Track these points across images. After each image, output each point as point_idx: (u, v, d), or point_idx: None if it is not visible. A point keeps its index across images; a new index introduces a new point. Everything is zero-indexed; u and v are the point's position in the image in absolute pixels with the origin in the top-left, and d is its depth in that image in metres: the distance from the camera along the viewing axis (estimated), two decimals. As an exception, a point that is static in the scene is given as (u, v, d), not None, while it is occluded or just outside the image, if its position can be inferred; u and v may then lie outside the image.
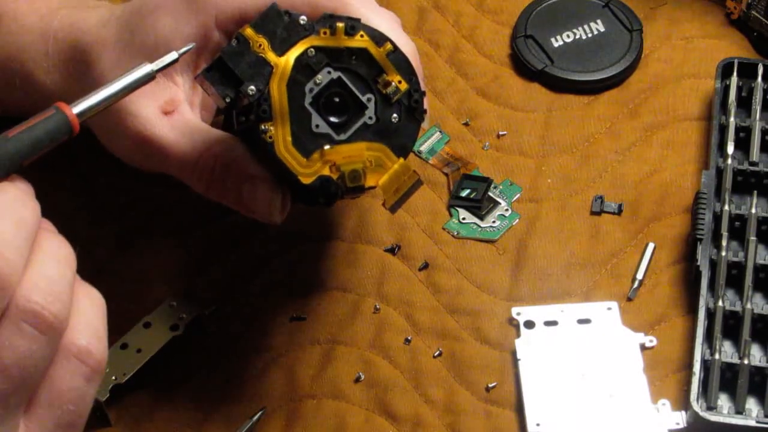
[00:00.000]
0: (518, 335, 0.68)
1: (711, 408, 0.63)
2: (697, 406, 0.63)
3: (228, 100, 0.57)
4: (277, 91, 0.57)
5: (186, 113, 0.63)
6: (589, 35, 0.81)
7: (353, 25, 0.58)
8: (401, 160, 0.59)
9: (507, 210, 0.74)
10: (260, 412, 0.66)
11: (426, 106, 0.60)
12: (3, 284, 0.45)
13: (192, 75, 0.63)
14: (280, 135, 0.57)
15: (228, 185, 0.61)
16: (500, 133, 0.77)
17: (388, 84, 0.58)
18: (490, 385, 0.67)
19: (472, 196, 0.74)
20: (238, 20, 0.62)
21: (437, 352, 0.68)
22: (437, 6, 0.84)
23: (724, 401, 0.64)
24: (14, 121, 0.49)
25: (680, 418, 0.64)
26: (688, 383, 0.64)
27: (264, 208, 0.61)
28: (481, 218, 0.73)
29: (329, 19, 0.58)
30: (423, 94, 0.59)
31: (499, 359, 0.68)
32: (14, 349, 0.45)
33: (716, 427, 0.63)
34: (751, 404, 0.64)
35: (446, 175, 0.75)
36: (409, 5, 0.84)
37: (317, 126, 0.57)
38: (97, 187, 0.75)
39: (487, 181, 0.74)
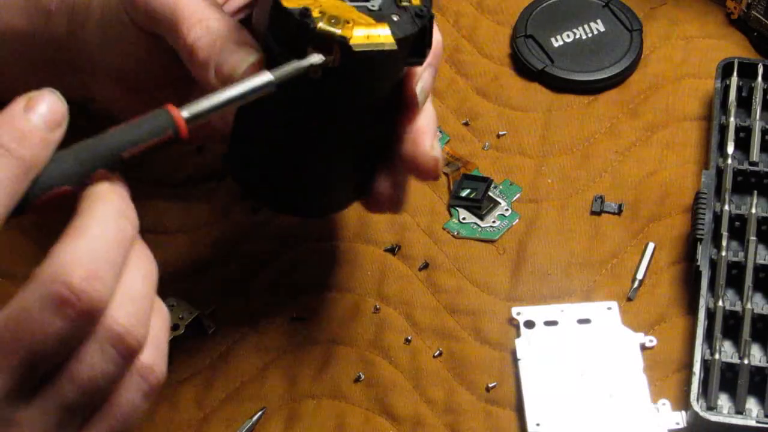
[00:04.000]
0: (518, 335, 0.68)
1: (711, 408, 0.63)
2: (697, 406, 0.63)
3: None
4: None
5: None
6: (589, 35, 0.81)
7: None
8: (386, 31, 0.54)
9: (507, 210, 0.74)
10: (260, 412, 0.66)
11: (435, 40, 0.57)
12: (96, 306, 0.45)
13: None
14: None
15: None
16: (500, 133, 0.77)
17: None
18: (490, 385, 0.67)
19: (472, 196, 0.74)
20: None
21: (437, 352, 0.68)
22: (437, 6, 0.84)
23: (724, 401, 0.64)
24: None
25: (680, 418, 0.64)
26: (688, 383, 0.64)
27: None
28: (481, 218, 0.73)
29: None
30: (432, 16, 0.56)
31: (499, 359, 0.68)
32: (92, 367, 0.45)
33: (716, 427, 0.63)
34: (752, 404, 0.64)
35: (446, 175, 0.75)
36: (409, 5, 0.84)
37: None
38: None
39: (487, 181, 0.74)
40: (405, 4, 0.56)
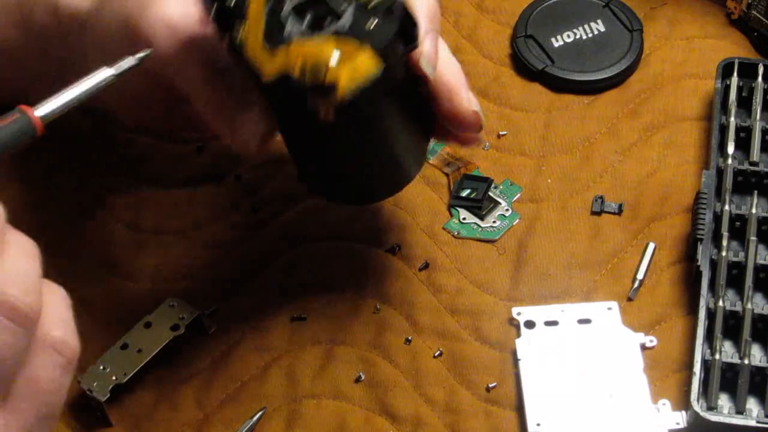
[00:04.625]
0: (518, 335, 0.68)
1: (711, 408, 0.63)
2: (698, 406, 0.63)
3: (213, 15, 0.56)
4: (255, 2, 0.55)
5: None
6: (590, 35, 0.81)
7: None
8: (369, 51, 0.54)
9: (507, 210, 0.74)
10: (260, 412, 0.66)
11: (430, 47, 0.57)
12: None
13: None
14: (252, 35, 0.55)
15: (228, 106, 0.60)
16: (500, 133, 0.77)
17: None
18: (490, 385, 0.67)
19: (472, 196, 0.74)
20: None
21: (437, 352, 0.68)
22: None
23: (724, 401, 0.64)
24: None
25: (680, 418, 0.64)
26: (689, 383, 0.64)
27: (250, 135, 0.60)
28: (482, 218, 0.73)
29: None
30: (410, 18, 0.56)
31: (500, 359, 0.68)
32: None
33: (716, 427, 0.63)
34: (752, 404, 0.64)
35: (446, 175, 0.75)
36: (410, 5, 0.84)
37: (292, 32, 0.55)
38: (96, 189, 0.75)
39: (487, 181, 0.74)
40: (373, 3, 0.55)
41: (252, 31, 0.55)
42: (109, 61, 0.56)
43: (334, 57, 0.54)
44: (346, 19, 0.55)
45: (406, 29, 0.56)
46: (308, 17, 0.55)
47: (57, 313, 0.48)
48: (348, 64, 0.54)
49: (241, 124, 0.59)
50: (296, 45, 0.55)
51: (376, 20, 0.55)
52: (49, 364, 0.48)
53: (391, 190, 0.68)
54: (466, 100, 0.61)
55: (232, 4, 0.56)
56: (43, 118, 0.51)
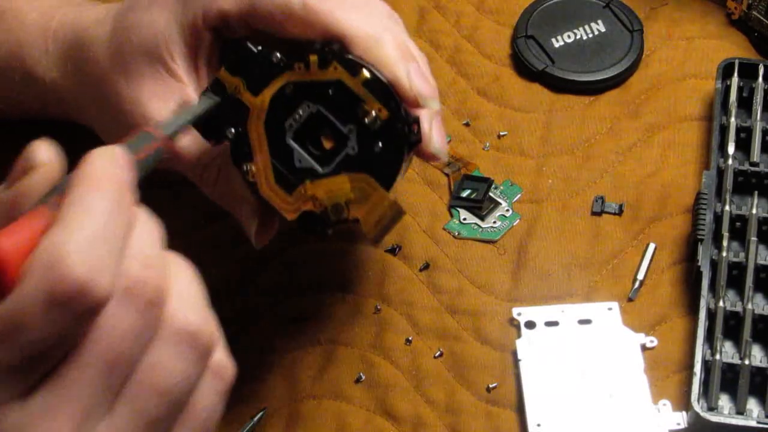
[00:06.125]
0: (519, 336, 0.68)
1: (712, 408, 0.63)
2: (698, 406, 0.63)
3: (213, 144, 0.58)
4: (256, 132, 0.57)
5: None
6: (590, 35, 0.81)
7: (325, 57, 0.56)
8: (382, 191, 0.57)
9: (508, 210, 0.74)
10: (261, 413, 0.66)
11: (434, 130, 0.58)
12: (157, 297, 0.43)
13: (194, 73, 0.63)
14: (262, 174, 0.57)
15: (227, 196, 0.62)
16: (501, 133, 0.77)
17: (367, 113, 0.56)
18: (490, 386, 0.67)
19: (472, 196, 0.74)
20: (222, 20, 0.61)
21: (438, 353, 0.68)
22: (438, 6, 0.84)
23: (724, 402, 0.64)
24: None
25: (681, 419, 0.64)
26: (689, 384, 0.64)
27: (247, 228, 0.61)
28: (482, 219, 0.73)
29: (303, 52, 0.56)
30: (410, 118, 0.57)
31: (500, 360, 0.68)
32: (170, 373, 0.44)
33: (717, 427, 0.63)
34: (752, 405, 0.64)
35: (447, 175, 0.75)
36: (410, 5, 0.84)
37: (300, 161, 0.57)
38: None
39: (487, 182, 0.74)
40: (373, 122, 0.56)
41: (261, 168, 0.57)
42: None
43: (352, 195, 0.57)
44: (352, 145, 0.57)
45: (409, 137, 0.57)
46: (315, 149, 0.57)
47: (219, 333, 0.47)
48: (365, 204, 0.57)
49: (239, 216, 0.61)
50: (311, 186, 0.57)
51: (380, 143, 0.57)
52: (211, 390, 0.46)
53: None
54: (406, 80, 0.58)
55: (231, 136, 0.57)
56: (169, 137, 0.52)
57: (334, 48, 0.57)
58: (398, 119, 0.56)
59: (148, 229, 0.46)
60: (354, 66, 0.56)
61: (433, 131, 0.58)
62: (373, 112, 0.56)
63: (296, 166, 0.57)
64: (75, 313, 0.41)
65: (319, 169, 0.57)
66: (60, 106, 0.68)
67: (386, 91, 0.56)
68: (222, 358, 0.46)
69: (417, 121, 0.57)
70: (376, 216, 0.57)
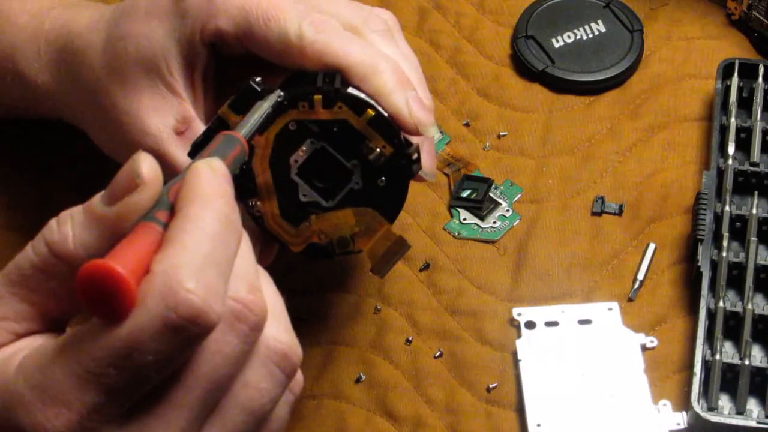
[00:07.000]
0: (519, 336, 0.68)
1: (712, 409, 0.63)
2: (698, 406, 0.63)
3: None
4: (260, 169, 0.57)
5: (197, 131, 0.62)
6: (590, 36, 0.81)
7: (330, 97, 0.56)
8: (387, 226, 0.59)
9: (508, 210, 0.74)
10: (261, 413, 0.66)
11: (426, 155, 0.59)
12: (261, 321, 0.44)
13: (191, 89, 0.63)
14: (268, 209, 0.58)
15: None
16: (501, 133, 0.77)
17: (371, 150, 0.57)
18: (490, 386, 0.67)
19: (472, 196, 0.74)
20: (220, 37, 0.61)
21: (438, 353, 0.68)
22: (438, 6, 0.84)
23: (724, 402, 0.64)
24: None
25: (681, 419, 0.64)
26: (689, 384, 0.64)
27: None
28: (482, 219, 0.73)
29: (307, 90, 0.57)
30: (411, 149, 0.58)
31: (500, 360, 0.68)
32: (261, 392, 0.44)
33: (717, 427, 0.63)
34: (752, 405, 0.64)
35: (447, 175, 0.75)
36: (410, 6, 0.84)
37: (305, 195, 0.58)
38: (96, 190, 0.75)
39: (487, 182, 0.74)
40: (377, 159, 0.57)
41: (267, 203, 0.58)
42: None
43: (356, 228, 0.58)
44: (356, 180, 0.58)
45: (411, 169, 0.58)
46: (319, 182, 0.58)
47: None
48: (370, 237, 0.59)
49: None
50: (316, 220, 0.58)
51: (384, 178, 0.58)
52: (287, 403, 0.47)
53: None
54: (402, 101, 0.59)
55: (236, 173, 0.57)
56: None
57: (338, 86, 0.57)
58: (401, 155, 0.57)
59: (248, 248, 0.46)
60: (358, 104, 0.57)
61: (426, 156, 0.60)
62: (378, 150, 0.57)
63: (301, 200, 0.58)
64: (188, 338, 0.41)
65: (324, 202, 0.58)
66: (52, 107, 0.68)
67: (389, 128, 0.57)
68: (298, 374, 0.47)
69: (417, 150, 0.58)
70: (381, 249, 0.59)
